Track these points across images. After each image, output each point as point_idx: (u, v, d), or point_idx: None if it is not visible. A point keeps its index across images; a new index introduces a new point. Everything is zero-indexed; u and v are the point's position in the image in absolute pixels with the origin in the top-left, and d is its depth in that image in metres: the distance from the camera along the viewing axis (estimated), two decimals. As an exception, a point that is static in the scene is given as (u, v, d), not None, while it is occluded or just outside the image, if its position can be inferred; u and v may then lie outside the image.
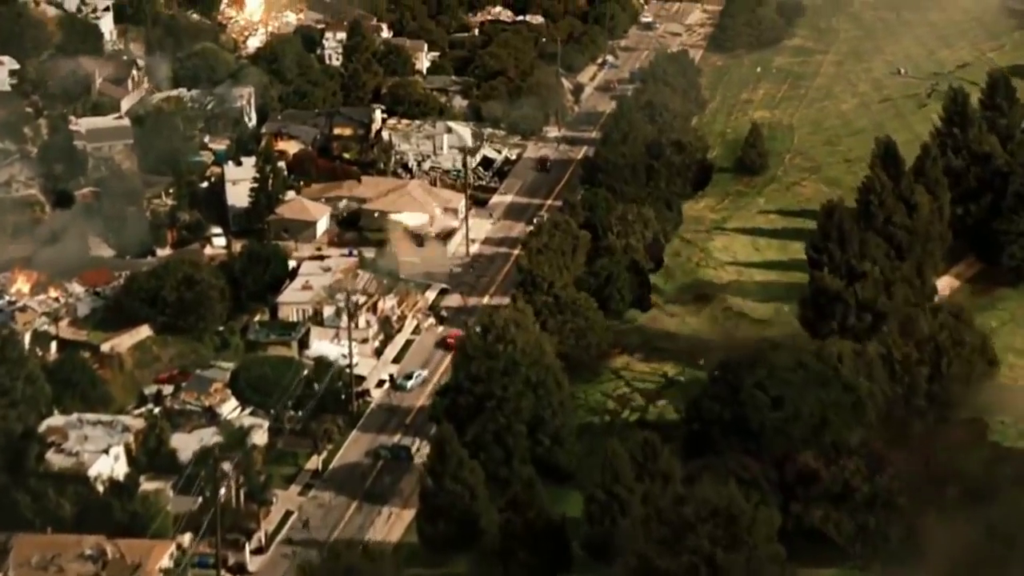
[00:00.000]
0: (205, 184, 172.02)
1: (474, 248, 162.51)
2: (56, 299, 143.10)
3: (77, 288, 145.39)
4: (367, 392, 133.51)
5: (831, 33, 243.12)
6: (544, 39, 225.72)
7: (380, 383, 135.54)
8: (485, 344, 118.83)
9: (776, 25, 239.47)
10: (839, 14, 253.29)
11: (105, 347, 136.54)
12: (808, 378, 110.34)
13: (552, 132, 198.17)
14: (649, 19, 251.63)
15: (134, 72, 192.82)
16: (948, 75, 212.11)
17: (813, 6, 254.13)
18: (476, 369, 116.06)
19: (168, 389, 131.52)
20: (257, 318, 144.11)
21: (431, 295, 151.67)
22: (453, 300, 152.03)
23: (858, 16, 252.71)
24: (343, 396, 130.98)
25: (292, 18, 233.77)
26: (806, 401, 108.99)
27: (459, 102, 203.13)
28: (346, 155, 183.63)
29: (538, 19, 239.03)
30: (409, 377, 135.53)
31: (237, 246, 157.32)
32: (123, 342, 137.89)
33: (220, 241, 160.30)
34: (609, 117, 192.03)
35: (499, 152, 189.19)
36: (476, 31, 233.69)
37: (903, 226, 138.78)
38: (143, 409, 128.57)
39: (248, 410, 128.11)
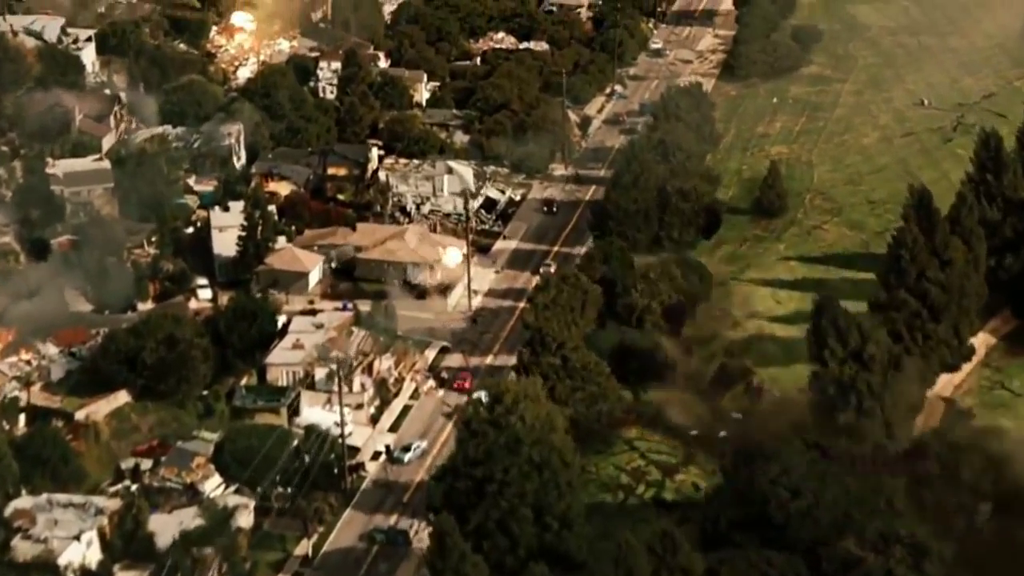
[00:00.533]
0: (190, 230, 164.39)
1: (476, 301, 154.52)
2: (28, 362, 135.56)
3: (51, 349, 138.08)
4: (361, 465, 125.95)
5: (849, 60, 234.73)
6: (549, 68, 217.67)
7: (376, 455, 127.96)
8: (492, 417, 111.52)
9: (792, 52, 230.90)
10: (856, 40, 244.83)
11: (80, 415, 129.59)
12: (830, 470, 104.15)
13: (559, 170, 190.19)
14: (659, 45, 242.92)
15: (116, 108, 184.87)
16: (973, 106, 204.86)
17: (830, 31, 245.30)
18: (474, 451, 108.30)
19: (147, 463, 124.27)
20: (244, 381, 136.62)
21: (431, 354, 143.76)
22: (454, 359, 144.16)
23: (876, 42, 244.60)
24: (336, 470, 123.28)
25: (285, 46, 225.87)
26: (830, 491, 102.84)
27: (460, 137, 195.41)
28: (340, 197, 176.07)
29: (542, 46, 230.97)
30: (407, 449, 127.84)
31: (224, 299, 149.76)
32: (99, 409, 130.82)
33: (205, 293, 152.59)
34: (619, 154, 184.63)
35: (502, 192, 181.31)
36: (478, 59, 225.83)
37: (937, 282, 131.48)
38: (119, 486, 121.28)
39: (232, 487, 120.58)
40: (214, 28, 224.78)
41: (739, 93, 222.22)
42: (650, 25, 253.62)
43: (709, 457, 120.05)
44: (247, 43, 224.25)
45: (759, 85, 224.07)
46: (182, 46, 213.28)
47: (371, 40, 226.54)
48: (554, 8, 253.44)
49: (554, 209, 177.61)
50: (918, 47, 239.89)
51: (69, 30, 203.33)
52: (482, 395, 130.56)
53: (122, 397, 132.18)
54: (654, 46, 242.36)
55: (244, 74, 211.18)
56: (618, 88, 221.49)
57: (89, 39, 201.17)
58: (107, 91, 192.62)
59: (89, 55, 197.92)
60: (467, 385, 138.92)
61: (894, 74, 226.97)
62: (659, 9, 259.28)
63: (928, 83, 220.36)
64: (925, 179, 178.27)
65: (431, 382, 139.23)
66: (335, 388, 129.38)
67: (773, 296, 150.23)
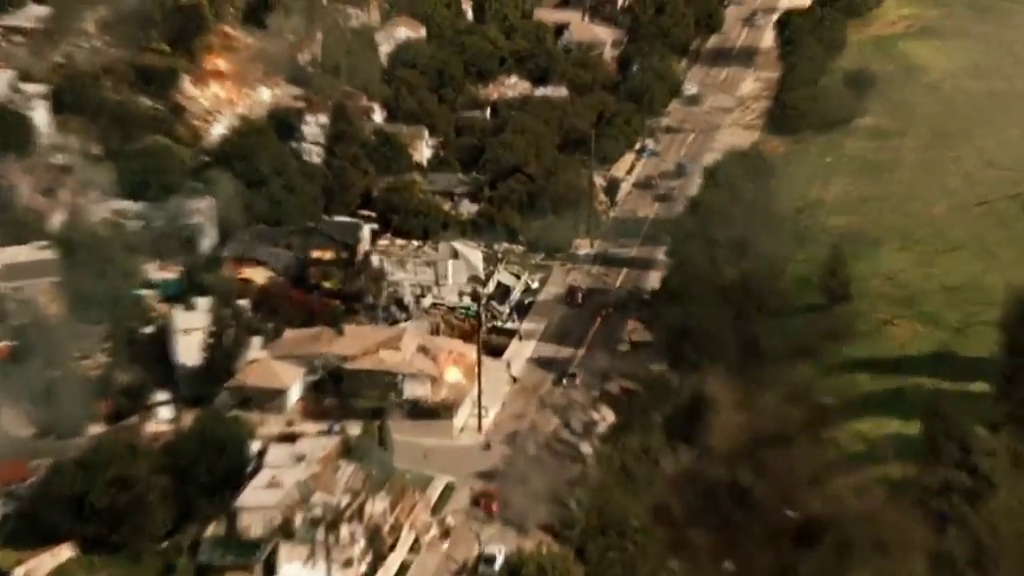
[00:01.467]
0: (150, 328, 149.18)
1: (488, 421, 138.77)
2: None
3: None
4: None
5: (907, 109, 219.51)
6: (569, 120, 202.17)
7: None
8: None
9: (844, 100, 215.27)
10: (914, 84, 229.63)
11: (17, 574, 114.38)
12: None
13: (583, 247, 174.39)
14: (693, 90, 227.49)
15: (69, 179, 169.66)
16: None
17: (884, 74, 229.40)
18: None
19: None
20: (211, 529, 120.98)
21: (433, 493, 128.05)
22: (462, 495, 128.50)
23: (936, 87, 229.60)
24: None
25: (266, 95, 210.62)
26: None
27: (467, 207, 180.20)
28: (326, 285, 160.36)
29: (561, 91, 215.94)
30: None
31: (188, 418, 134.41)
32: (40, 566, 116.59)
33: (166, 413, 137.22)
34: (651, 227, 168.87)
35: (517, 277, 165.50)
36: (488, 110, 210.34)
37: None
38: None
39: None
40: (186, 77, 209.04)
41: (788, 150, 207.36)
42: (682, 66, 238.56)
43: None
44: (223, 92, 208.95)
45: (810, 140, 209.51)
46: (148, 101, 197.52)
47: (365, 88, 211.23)
48: (572, 47, 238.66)
49: (579, 300, 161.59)
50: (984, 93, 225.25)
51: (21, 85, 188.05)
52: (496, 551, 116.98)
53: (66, 551, 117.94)
54: (688, 91, 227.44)
55: (218, 131, 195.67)
56: (649, 143, 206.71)
57: (44, 96, 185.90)
58: (61, 156, 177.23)
59: (42, 115, 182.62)
60: (493, 509, 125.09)
61: (959, 126, 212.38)
62: (692, 47, 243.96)
63: (999, 138, 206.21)
64: (1005, 259, 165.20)
65: (434, 530, 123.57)
66: (319, 539, 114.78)
67: (843, 436, 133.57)
